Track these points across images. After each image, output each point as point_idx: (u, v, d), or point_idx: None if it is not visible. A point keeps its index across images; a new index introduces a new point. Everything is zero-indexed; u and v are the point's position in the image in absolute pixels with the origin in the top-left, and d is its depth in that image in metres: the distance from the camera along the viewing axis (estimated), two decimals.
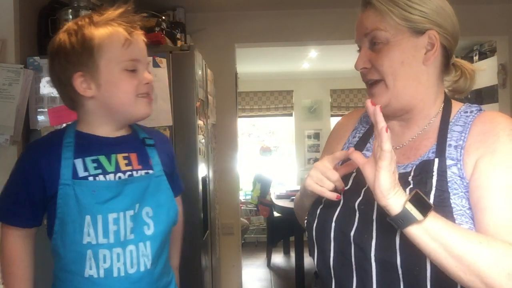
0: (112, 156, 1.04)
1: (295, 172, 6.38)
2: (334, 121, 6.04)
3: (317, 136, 6.37)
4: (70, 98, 1.03)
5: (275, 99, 6.42)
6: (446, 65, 0.98)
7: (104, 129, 1.05)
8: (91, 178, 1.00)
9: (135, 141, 1.10)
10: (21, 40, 1.93)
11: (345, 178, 1.00)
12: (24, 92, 1.86)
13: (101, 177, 1.01)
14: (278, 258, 5.42)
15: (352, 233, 0.91)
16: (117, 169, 1.03)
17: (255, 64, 5.52)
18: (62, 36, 1.01)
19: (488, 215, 0.82)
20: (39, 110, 1.92)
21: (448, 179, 0.87)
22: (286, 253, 5.56)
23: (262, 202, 5.33)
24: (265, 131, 6.99)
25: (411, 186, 0.89)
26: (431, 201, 0.85)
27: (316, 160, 6.42)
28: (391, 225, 0.84)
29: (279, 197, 4.71)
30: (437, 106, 0.98)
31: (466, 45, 4.53)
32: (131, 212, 1.01)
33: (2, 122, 1.81)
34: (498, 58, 3.55)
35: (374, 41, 0.94)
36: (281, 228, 4.96)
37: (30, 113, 1.91)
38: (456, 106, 0.98)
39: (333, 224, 0.95)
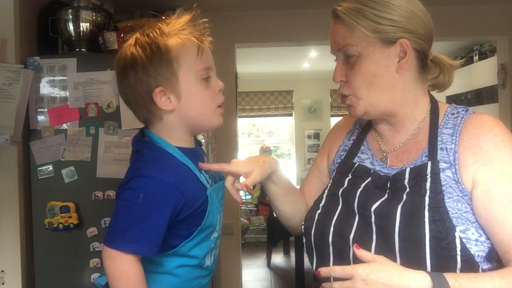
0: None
1: (295, 172, 6.38)
2: (334, 121, 6.03)
3: (317, 136, 6.37)
4: (149, 111, 1.00)
5: (275, 99, 6.41)
6: (424, 66, 0.97)
7: (185, 141, 1.04)
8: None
9: (201, 150, 1.14)
10: (21, 40, 1.93)
11: (340, 180, 1.02)
12: (24, 92, 1.86)
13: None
14: (278, 258, 5.42)
15: (351, 237, 0.92)
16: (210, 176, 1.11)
17: (255, 64, 5.51)
18: (133, 49, 0.97)
19: (509, 229, 0.83)
20: (39, 110, 1.93)
21: (442, 182, 0.87)
22: (286, 253, 5.56)
23: (262, 202, 5.33)
24: (265, 131, 6.99)
25: (408, 190, 0.90)
26: (427, 203, 0.86)
27: None
28: (389, 228, 0.85)
29: None
30: (421, 109, 0.98)
31: (466, 45, 4.52)
32: (222, 209, 1.14)
33: (2, 122, 1.81)
34: (498, 58, 3.54)
35: (347, 55, 0.95)
36: (281, 228, 4.90)
37: (30, 113, 1.92)
38: (443, 108, 0.98)
39: (332, 228, 0.95)
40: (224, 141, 3.17)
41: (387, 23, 0.90)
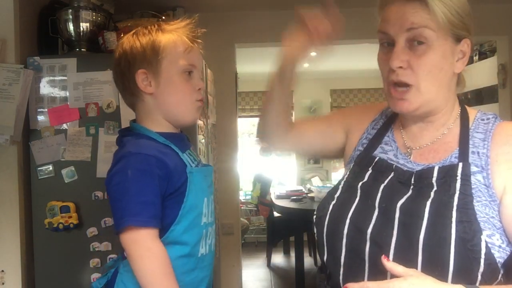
0: (190, 149, 1.18)
1: (295, 172, 6.38)
2: None
3: None
4: (132, 93, 1.10)
5: None
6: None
7: (165, 127, 1.12)
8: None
9: (185, 137, 1.21)
10: (21, 40, 1.93)
11: (360, 173, 1.00)
12: (24, 92, 1.86)
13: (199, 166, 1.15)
14: (278, 258, 5.42)
15: (369, 231, 0.89)
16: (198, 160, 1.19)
17: (255, 64, 5.51)
18: (130, 37, 1.11)
19: None
20: (39, 110, 1.93)
21: (472, 186, 0.86)
22: (286, 253, 5.56)
23: (262, 202, 5.33)
24: None
25: (435, 188, 0.88)
26: (455, 203, 0.84)
27: (316, 161, 6.43)
28: (415, 226, 0.84)
29: (279, 197, 4.71)
30: (455, 110, 0.96)
31: None
32: (212, 196, 1.17)
33: (2, 122, 1.81)
34: (498, 58, 3.55)
35: (416, 39, 0.87)
36: (281, 228, 4.96)
37: (30, 113, 1.92)
38: (472, 113, 0.97)
39: (348, 220, 0.92)
40: (224, 141, 3.17)
41: (457, 17, 0.87)
